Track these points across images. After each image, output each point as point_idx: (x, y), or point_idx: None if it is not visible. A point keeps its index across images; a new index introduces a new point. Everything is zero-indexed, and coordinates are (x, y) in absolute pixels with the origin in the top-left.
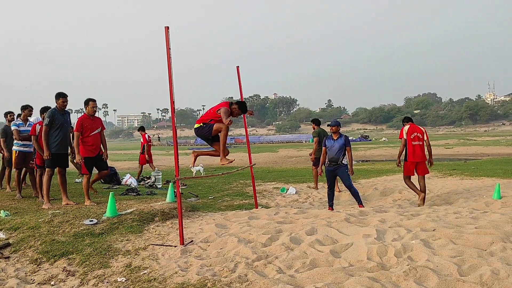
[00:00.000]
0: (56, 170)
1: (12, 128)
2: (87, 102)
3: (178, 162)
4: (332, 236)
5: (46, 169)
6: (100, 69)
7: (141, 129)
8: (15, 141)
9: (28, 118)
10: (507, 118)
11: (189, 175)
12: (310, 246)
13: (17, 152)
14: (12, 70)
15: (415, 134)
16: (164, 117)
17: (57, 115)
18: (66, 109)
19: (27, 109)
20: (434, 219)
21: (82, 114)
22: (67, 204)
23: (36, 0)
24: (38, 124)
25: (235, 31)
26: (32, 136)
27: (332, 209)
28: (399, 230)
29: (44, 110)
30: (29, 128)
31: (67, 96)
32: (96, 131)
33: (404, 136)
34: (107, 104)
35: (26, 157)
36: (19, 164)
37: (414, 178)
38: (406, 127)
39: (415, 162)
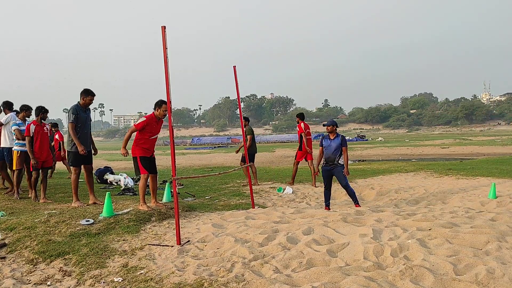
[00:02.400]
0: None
1: (13, 128)
2: (160, 104)
3: (175, 162)
4: (328, 235)
5: (73, 168)
6: (97, 69)
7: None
8: (16, 141)
9: (26, 118)
10: (502, 118)
11: (185, 175)
12: (307, 245)
13: (19, 152)
14: (11, 71)
15: (308, 130)
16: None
17: (80, 112)
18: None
19: (28, 111)
20: (430, 219)
21: (151, 113)
22: (94, 203)
23: (35, 3)
24: (32, 124)
25: (232, 31)
26: (26, 137)
27: (329, 209)
28: (395, 230)
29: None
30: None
31: (95, 95)
32: (157, 135)
33: (304, 130)
34: (103, 104)
35: (27, 157)
36: (20, 164)
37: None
38: (302, 124)
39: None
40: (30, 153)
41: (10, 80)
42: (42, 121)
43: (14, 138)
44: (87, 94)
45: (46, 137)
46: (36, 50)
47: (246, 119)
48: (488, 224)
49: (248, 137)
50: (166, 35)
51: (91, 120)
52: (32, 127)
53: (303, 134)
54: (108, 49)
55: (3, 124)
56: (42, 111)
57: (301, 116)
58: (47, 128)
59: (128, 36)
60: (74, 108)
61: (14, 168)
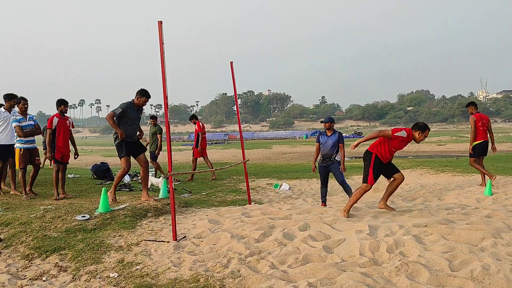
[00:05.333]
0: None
1: (14, 124)
2: None
3: (171, 158)
4: (324, 231)
5: (122, 159)
6: (94, 65)
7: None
8: (17, 138)
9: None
10: (499, 115)
11: (182, 171)
12: (303, 241)
13: (22, 150)
14: (6, 67)
15: (204, 130)
16: (158, 113)
17: (131, 109)
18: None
19: (20, 103)
20: (426, 215)
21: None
22: (147, 200)
23: (35, 3)
24: (55, 117)
25: (229, 27)
26: (48, 130)
27: (325, 205)
28: (391, 226)
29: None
30: (30, 123)
31: (150, 97)
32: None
33: (201, 129)
34: (100, 100)
35: (32, 154)
36: (25, 163)
37: None
38: (201, 123)
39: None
40: (48, 146)
41: (8, 75)
42: (64, 114)
43: (15, 135)
44: (142, 95)
45: (68, 131)
46: (34, 46)
47: (154, 117)
48: (483, 221)
49: (158, 136)
50: (163, 30)
51: (139, 120)
52: (55, 120)
53: (200, 133)
54: (105, 44)
55: None
56: (62, 104)
57: (195, 117)
58: (69, 122)
59: (125, 32)
60: (125, 104)
61: (17, 167)
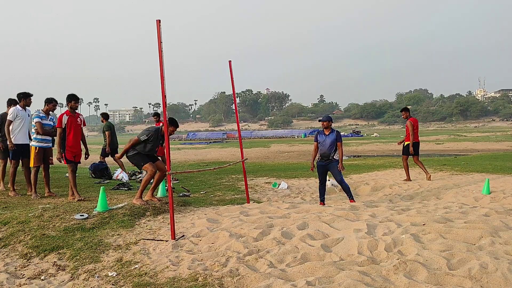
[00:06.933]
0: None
1: (35, 120)
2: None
3: (169, 157)
4: (323, 230)
5: (146, 165)
6: (92, 63)
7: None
8: (34, 136)
9: (51, 112)
10: (497, 114)
11: (181, 170)
12: (301, 240)
13: (37, 148)
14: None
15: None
16: (156, 111)
17: (153, 137)
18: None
19: (51, 103)
20: (424, 214)
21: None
22: (159, 200)
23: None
24: (65, 115)
25: (227, 25)
26: (58, 129)
27: (324, 204)
28: (389, 225)
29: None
30: (50, 123)
31: (178, 127)
32: None
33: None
34: (98, 98)
35: (46, 153)
36: (39, 161)
37: None
38: (160, 124)
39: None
40: (59, 146)
41: (6, 73)
42: (75, 111)
43: (33, 131)
44: (171, 124)
45: (79, 129)
46: (32, 43)
47: (104, 115)
48: (481, 220)
49: (107, 133)
50: (161, 29)
51: (159, 145)
52: (65, 118)
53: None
54: (103, 42)
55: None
56: (72, 100)
57: (158, 115)
58: (80, 119)
59: (123, 28)
60: (154, 131)
61: (31, 165)
